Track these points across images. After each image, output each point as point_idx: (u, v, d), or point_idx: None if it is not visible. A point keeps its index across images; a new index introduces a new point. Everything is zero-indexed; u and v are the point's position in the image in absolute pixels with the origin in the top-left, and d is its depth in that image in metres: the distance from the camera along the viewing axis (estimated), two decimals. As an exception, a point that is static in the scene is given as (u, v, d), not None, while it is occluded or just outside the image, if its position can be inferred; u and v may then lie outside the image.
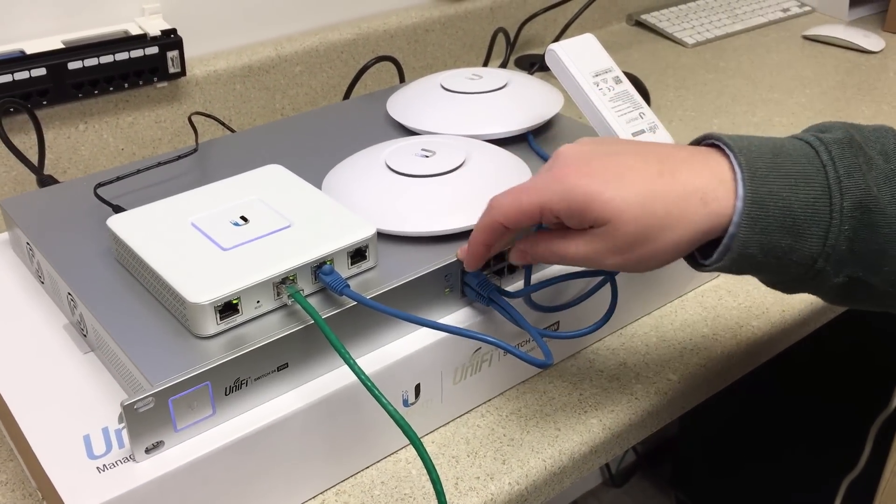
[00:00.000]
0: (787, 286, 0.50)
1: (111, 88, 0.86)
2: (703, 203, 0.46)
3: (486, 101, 0.73)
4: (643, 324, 0.70)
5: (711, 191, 0.46)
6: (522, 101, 0.72)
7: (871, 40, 1.18)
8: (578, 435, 0.60)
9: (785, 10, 1.30)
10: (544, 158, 0.68)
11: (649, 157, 0.48)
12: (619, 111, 0.64)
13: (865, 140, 0.49)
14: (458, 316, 0.59)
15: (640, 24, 1.23)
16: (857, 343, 1.22)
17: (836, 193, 0.46)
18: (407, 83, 0.74)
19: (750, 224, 0.46)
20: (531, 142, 0.70)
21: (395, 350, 0.55)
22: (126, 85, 0.87)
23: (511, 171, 0.65)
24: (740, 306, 0.71)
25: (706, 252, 0.49)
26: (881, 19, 1.27)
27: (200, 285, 0.50)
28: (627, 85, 0.65)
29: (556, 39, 1.18)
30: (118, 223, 0.56)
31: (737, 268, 0.48)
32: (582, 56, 0.65)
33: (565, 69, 0.65)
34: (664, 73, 1.13)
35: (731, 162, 0.47)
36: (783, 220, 0.46)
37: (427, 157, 0.64)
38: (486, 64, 1.09)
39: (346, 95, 0.91)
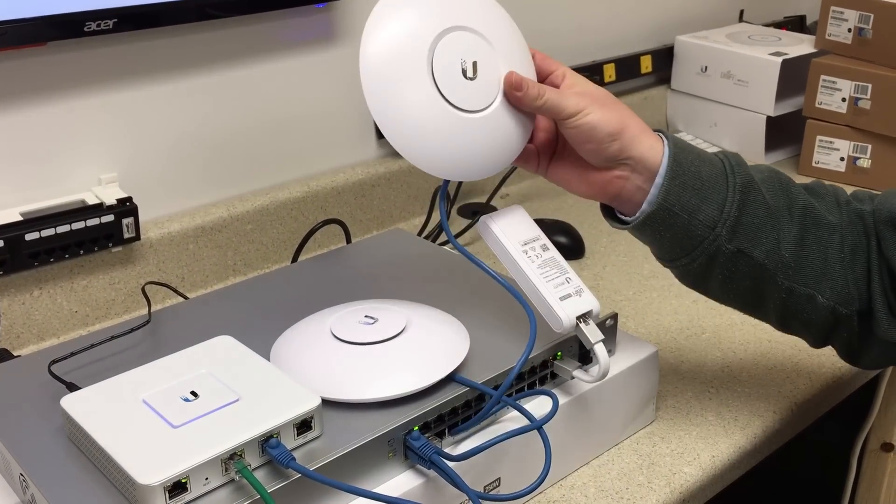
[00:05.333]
0: (693, 258, 0.66)
1: (66, 256, 0.89)
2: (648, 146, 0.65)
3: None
4: (582, 473, 0.73)
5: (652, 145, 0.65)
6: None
7: (786, 183, 1.27)
8: (521, 593, 0.61)
9: (707, 156, 1.40)
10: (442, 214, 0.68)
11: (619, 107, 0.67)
12: (547, 277, 0.68)
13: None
14: (402, 479, 0.61)
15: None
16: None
17: (730, 175, 0.65)
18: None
19: (671, 176, 0.64)
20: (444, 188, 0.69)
21: (340, 519, 0.57)
22: (81, 251, 0.90)
23: (450, 334, 0.69)
24: (673, 452, 0.75)
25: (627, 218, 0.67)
26: (795, 162, 1.37)
27: (150, 466, 0.53)
28: (554, 252, 0.71)
29: (497, 188, 1.25)
30: (71, 403, 0.59)
31: (661, 217, 0.64)
32: (511, 226, 0.71)
33: (496, 239, 0.70)
34: (597, 219, 1.20)
35: (662, 141, 0.66)
36: (694, 182, 0.64)
37: (370, 323, 0.68)
38: (428, 217, 1.15)
39: (295, 258, 0.96)
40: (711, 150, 1.39)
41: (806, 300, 0.67)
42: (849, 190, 0.72)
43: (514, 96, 0.65)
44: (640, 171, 0.65)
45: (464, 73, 0.64)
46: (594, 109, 0.64)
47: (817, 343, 0.71)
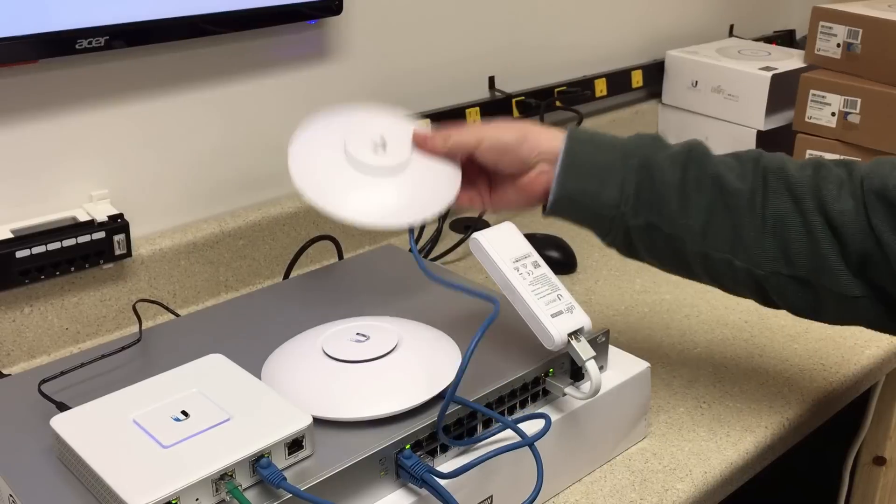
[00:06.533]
0: (614, 235, 0.73)
1: (57, 273, 0.89)
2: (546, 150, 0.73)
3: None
4: (574, 490, 0.73)
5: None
6: (420, 187, 0.74)
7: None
8: None
9: (698, 170, 1.41)
10: (419, 263, 0.73)
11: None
12: (539, 294, 0.69)
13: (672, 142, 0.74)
14: (394, 498, 0.61)
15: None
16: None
17: (628, 157, 0.71)
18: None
19: (565, 168, 0.71)
20: (411, 240, 0.74)
21: (331, 539, 0.57)
22: (72, 268, 0.90)
23: (442, 351, 0.69)
24: (665, 468, 0.75)
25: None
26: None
27: (140, 486, 0.52)
28: (545, 269, 0.71)
29: (488, 203, 1.25)
30: (61, 423, 0.59)
31: (564, 206, 0.72)
32: (503, 243, 0.71)
33: (487, 256, 0.70)
34: (589, 234, 1.20)
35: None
36: (591, 169, 0.71)
37: (361, 341, 0.68)
38: (420, 232, 1.15)
39: (287, 274, 0.96)
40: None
41: (724, 265, 0.70)
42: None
43: (425, 146, 0.76)
44: (552, 161, 0.73)
45: (374, 148, 0.75)
46: (492, 129, 0.74)
47: (762, 302, 0.73)
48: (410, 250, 0.73)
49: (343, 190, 0.73)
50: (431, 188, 0.75)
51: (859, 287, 0.67)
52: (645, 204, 0.71)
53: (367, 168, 0.74)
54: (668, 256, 0.73)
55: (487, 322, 0.65)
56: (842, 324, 0.72)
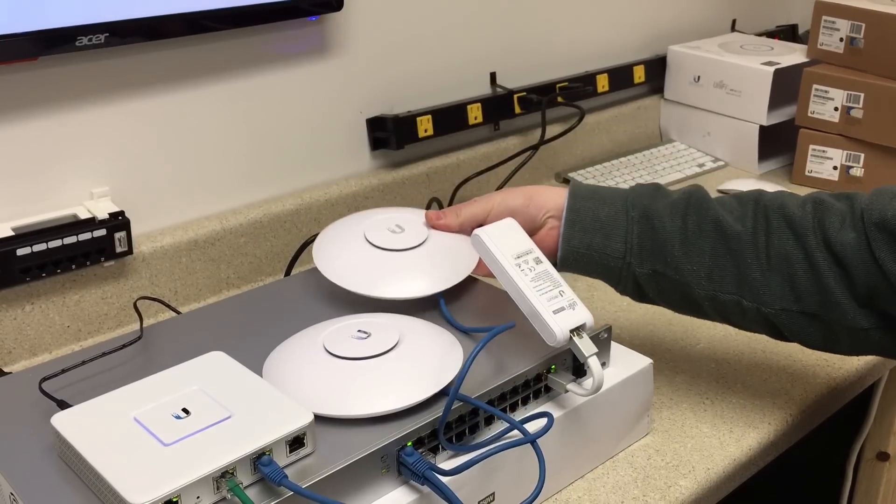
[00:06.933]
0: (623, 284, 0.75)
1: (58, 270, 0.89)
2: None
3: (404, 260, 0.77)
4: (577, 487, 0.72)
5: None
6: (440, 259, 0.78)
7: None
8: None
9: (700, 166, 1.41)
10: (452, 323, 0.74)
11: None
12: (540, 290, 0.68)
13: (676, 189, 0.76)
14: (395, 495, 0.61)
15: (568, 182, 1.31)
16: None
17: (630, 209, 0.74)
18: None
19: (569, 225, 0.74)
20: (442, 305, 0.75)
21: (333, 536, 0.57)
22: (73, 266, 0.90)
23: (444, 348, 0.68)
24: (668, 465, 0.75)
25: None
26: (788, 171, 1.37)
27: (140, 485, 0.52)
28: (547, 265, 0.71)
29: (490, 199, 1.25)
30: (62, 421, 0.58)
31: (572, 261, 0.75)
32: (504, 239, 0.71)
33: (489, 252, 0.70)
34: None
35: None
36: (593, 224, 0.74)
37: (363, 338, 0.68)
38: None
39: (288, 271, 0.95)
40: (704, 159, 1.42)
41: (734, 304, 0.72)
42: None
43: (438, 225, 0.80)
44: (560, 218, 0.75)
45: (392, 233, 0.80)
46: (499, 197, 0.77)
47: (777, 338, 0.74)
48: (444, 317, 0.75)
49: (369, 271, 0.77)
50: (452, 259, 0.78)
51: (868, 318, 0.67)
52: (649, 253, 0.73)
53: (389, 250, 0.78)
54: (678, 300, 0.74)
55: (498, 330, 0.65)
56: (857, 354, 0.73)
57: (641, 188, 0.76)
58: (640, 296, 0.76)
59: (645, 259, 0.73)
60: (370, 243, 0.78)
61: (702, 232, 0.72)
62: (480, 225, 0.76)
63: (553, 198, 0.76)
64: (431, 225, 0.80)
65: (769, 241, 0.70)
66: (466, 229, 0.78)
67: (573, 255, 0.74)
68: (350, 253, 0.78)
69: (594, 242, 0.73)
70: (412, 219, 0.82)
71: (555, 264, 0.74)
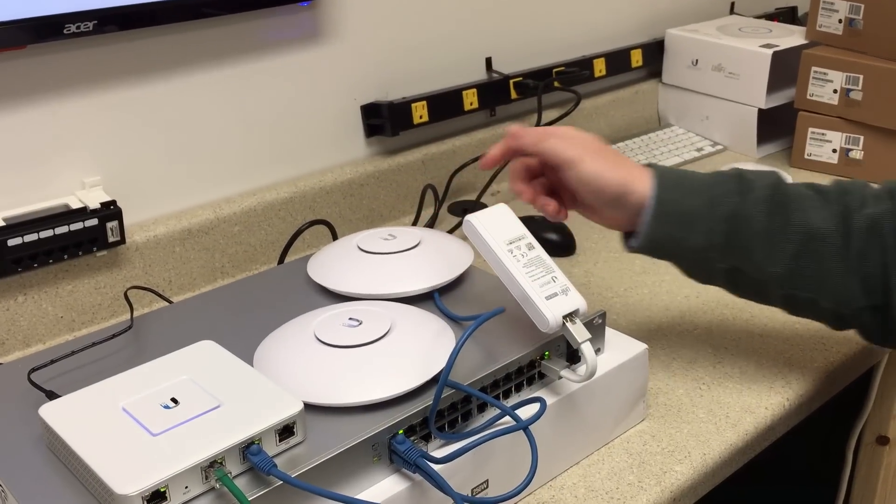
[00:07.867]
0: (696, 272, 0.76)
1: (51, 261, 0.88)
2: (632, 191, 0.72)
3: (397, 261, 0.78)
4: (572, 473, 0.72)
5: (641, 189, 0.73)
6: (433, 259, 0.78)
7: (779, 175, 1.27)
8: None
9: (699, 150, 1.39)
10: (444, 312, 0.73)
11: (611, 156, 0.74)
12: (533, 276, 0.68)
13: (756, 176, 0.74)
14: (387, 484, 0.60)
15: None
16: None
17: (716, 205, 0.72)
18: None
19: (655, 217, 0.72)
20: (437, 300, 0.74)
21: (323, 525, 0.57)
22: (66, 256, 0.89)
23: (435, 335, 0.68)
24: (664, 451, 0.74)
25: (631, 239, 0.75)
26: (787, 155, 1.36)
27: (128, 475, 0.52)
28: (540, 250, 0.70)
29: (488, 185, 1.24)
30: (50, 412, 0.58)
31: (652, 247, 0.73)
32: (496, 225, 0.70)
33: (481, 238, 0.69)
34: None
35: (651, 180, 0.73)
36: (678, 217, 0.72)
37: (354, 326, 0.67)
38: (418, 215, 1.14)
39: (281, 259, 0.95)
40: (702, 143, 1.41)
41: (809, 303, 0.73)
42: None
43: (515, 139, 0.74)
44: (639, 208, 0.73)
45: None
46: (591, 164, 0.72)
47: (838, 330, 0.76)
48: (437, 306, 0.75)
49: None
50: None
51: None
52: (731, 252, 0.72)
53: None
54: (750, 292, 0.76)
55: (487, 316, 0.64)
56: None
57: (725, 182, 0.73)
58: (708, 281, 0.76)
59: (726, 256, 0.73)
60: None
61: (786, 234, 0.71)
62: (552, 168, 0.74)
63: (644, 188, 0.72)
64: (511, 135, 0.75)
65: (849, 242, 0.71)
66: (533, 161, 0.76)
67: (653, 244, 0.73)
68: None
69: (676, 234, 0.73)
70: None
71: (624, 237, 0.76)
